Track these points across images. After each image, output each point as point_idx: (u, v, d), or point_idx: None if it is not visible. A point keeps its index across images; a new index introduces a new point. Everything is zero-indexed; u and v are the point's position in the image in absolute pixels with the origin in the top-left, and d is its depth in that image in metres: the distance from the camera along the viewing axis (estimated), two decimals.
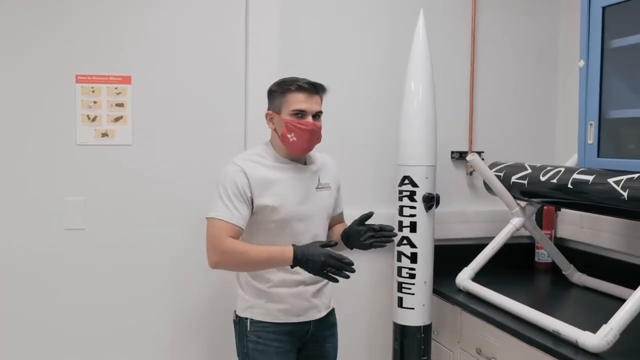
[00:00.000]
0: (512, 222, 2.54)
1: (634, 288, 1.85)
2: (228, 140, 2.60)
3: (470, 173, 2.94)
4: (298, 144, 2.03)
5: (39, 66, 2.41)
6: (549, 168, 2.33)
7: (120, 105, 2.50)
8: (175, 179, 2.56)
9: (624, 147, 2.19)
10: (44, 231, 2.44)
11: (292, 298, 2.08)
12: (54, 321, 2.46)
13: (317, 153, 2.19)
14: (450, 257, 2.65)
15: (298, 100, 2.01)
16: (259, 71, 2.58)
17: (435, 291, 2.50)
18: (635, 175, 1.93)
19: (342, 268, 1.87)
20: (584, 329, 1.86)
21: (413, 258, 2.37)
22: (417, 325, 2.38)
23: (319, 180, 2.14)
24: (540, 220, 2.87)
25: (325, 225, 2.18)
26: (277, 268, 2.03)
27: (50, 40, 2.42)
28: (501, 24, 2.96)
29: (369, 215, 2.10)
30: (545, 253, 2.83)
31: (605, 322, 1.81)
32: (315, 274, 1.93)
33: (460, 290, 2.53)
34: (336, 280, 1.92)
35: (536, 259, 2.96)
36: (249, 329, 2.08)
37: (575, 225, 2.83)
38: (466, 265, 2.56)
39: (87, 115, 2.47)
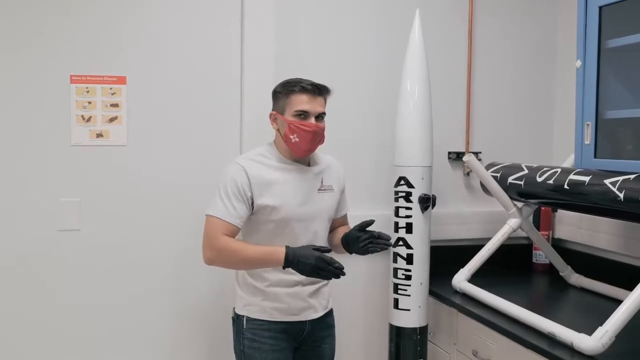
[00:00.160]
0: (508, 223, 2.53)
1: (631, 289, 1.83)
2: (223, 140, 2.60)
3: (468, 174, 2.93)
4: (300, 144, 2.04)
5: (33, 66, 2.40)
6: (545, 169, 2.32)
7: (115, 105, 2.49)
8: (170, 180, 2.55)
9: (621, 147, 2.18)
10: (39, 232, 2.43)
11: (289, 297, 2.10)
12: (53, 321, 2.46)
13: (323, 154, 2.20)
14: (447, 258, 2.65)
15: (301, 101, 2.02)
16: (255, 71, 2.58)
17: (432, 292, 2.49)
18: (632, 176, 1.92)
19: (332, 272, 1.92)
20: (580, 331, 1.84)
21: (409, 259, 2.36)
22: (413, 326, 2.37)
23: (321, 182, 2.15)
24: (537, 221, 2.86)
25: (326, 227, 2.18)
26: (272, 268, 2.05)
27: (45, 40, 2.41)
28: (498, 23, 2.94)
29: (369, 223, 2.11)
30: (543, 254, 2.82)
31: (602, 324, 1.80)
32: (306, 276, 1.96)
33: (456, 292, 2.52)
34: (328, 278, 1.99)
35: (534, 260, 2.94)
36: (245, 327, 2.11)
37: (573, 226, 2.82)
38: (463, 266, 2.55)
39: (82, 116, 2.46)
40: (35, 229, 2.43)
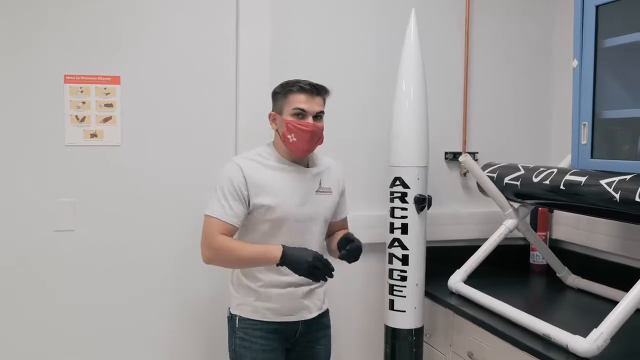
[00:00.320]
0: (505, 223, 2.51)
1: (628, 290, 1.82)
2: (218, 140, 2.59)
3: (464, 174, 2.91)
4: (298, 144, 2.03)
5: (26, 66, 2.39)
6: (542, 169, 2.30)
7: (109, 105, 2.48)
8: (165, 180, 2.54)
9: (617, 148, 2.16)
10: (36, 232, 2.42)
11: (282, 298, 2.10)
12: (53, 321, 2.46)
13: (323, 156, 2.20)
14: (443, 259, 2.63)
15: (299, 101, 2.03)
16: (250, 71, 2.57)
17: (427, 294, 2.47)
18: (628, 177, 1.90)
19: (326, 273, 1.95)
20: (576, 333, 1.83)
21: (405, 260, 2.35)
22: (408, 328, 2.36)
23: (320, 184, 2.14)
24: (535, 221, 2.85)
25: (322, 229, 2.17)
26: (266, 268, 2.06)
27: (38, 40, 2.39)
28: (495, 23, 2.93)
29: (354, 241, 2.07)
30: (540, 255, 2.80)
31: (597, 326, 1.79)
32: (300, 275, 1.96)
33: (452, 293, 2.50)
34: (318, 280, 2.02)
35: (531, 261, 2.93)
36: (237, 326, 2.12)
37: (570, 227, 2.80)
38: (459, 267, 2.53)
39: (76, 116, 2.45)
40: (31, 229, 2.42)
